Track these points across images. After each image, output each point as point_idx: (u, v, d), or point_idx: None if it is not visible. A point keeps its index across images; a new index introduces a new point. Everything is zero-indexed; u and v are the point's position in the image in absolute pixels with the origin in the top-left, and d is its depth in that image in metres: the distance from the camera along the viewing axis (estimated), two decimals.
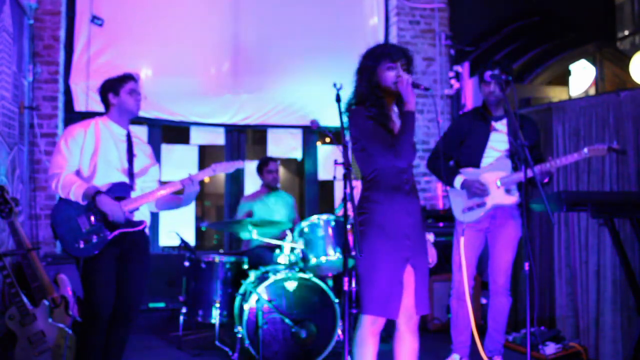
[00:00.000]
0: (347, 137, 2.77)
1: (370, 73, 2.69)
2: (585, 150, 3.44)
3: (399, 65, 2.66)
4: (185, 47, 5.67)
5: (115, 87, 3.19)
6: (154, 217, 3.56)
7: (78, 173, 3.09)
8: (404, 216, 2.64)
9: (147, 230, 3.25)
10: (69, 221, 3.00)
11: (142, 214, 3.20)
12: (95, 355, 3.06)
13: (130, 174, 3.17)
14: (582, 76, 6.52)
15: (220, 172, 3.28)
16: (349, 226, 2.68)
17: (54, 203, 5.11)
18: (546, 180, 3.52)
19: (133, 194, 3.15)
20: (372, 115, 2.63)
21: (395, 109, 2.77)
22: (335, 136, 4.17)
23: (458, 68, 6.02)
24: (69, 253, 3.01)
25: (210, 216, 8.08)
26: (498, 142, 3.70)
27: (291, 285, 3.87)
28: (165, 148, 5.91)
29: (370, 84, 2.68)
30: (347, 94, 2.80)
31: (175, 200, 3.29)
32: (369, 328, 2.61)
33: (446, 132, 3.92)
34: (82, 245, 2.97)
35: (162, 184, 3.39)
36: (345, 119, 2.64)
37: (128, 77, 3.23)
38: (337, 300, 3.91)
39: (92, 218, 3.00)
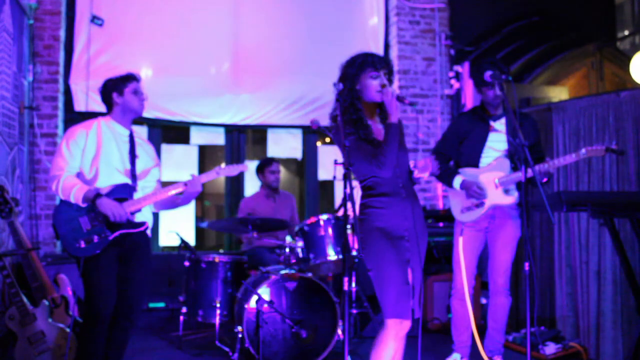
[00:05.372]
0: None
1: (352, 82, 2.66)
2: (583, 150, 3.44)
3: (382, 74, 2.65)
4: (185, 47, 5.67)
5: (119, 86, 3.17)
6: (154, 217, 3.54)
7: (79, 175, 3.08)
8: (400, 220, 2.66)
9: (148, 232, 3.25)
10: (71, 221, 2.99)
11: (144, 216, 3.19)
12: (96, 356, 3.06)
13: (133, 175, 3.17)
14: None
15: (224, 175, 3.27)
16: (349, 226, 2.69)
17: (54, 203, 5.15)
18: (545, 180, 3.52)
19: (135, 195, 3.14)
20: (353, 131, 2.63)
21: (377, 118, 2.77)
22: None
23: (458, 68, 6.02)
24: (70, 253, 3.01)
25: (210, 216, 8.08)
26: (497, 142, 3.69)
27: (291, 285, 3.87)
28: (165, 148, 5.92)
29: (352, 94, 2.66)
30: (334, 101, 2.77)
31: (175, 200, 3.27)
32: (394, 330, 2.58)
33: (445, 133, 3.92)
34: (83, 245, 2.97)
35: (162, 184, 3.39)
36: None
37: (132, 77, 3.21)
38: (337, 300, 3.91)
39: (94, 218, 3.00)
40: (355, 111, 2.66)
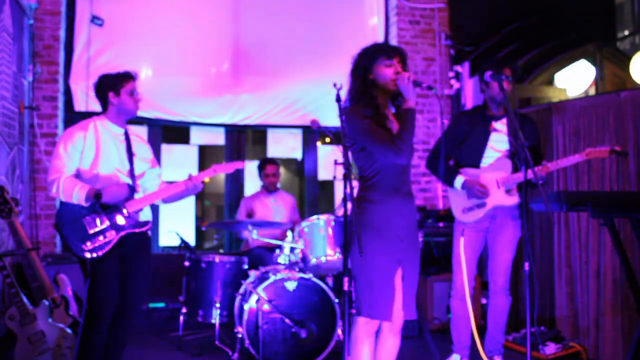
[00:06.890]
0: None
1: (365, 71, 2.67)
2: (587, 151, 3.43)
3: (395, 62, 2.66)
4: (185, 47, 5.67)
5: (116, 86, 3.14)
6: (154, 217, 3.55)
7: (78, 176, 3.07)
8: (398, 218, 2.65)
9: (149, 231, 3.25)
10: (75, 222, 2.98)
11: (145, 215, 3.20)
12: (96, 356, 3.06)
13: (132, 174, 3.17)
14: (580, 76, 6.52)
15: (220, 173, 3.29)
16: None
17: (54, 203, 5.14)
18: (540, 182, 3.50)
19: (136, 195, 3.14)
20: (369, 115, 2.62)
21: (392, 108, 2.77)
22: (335, 136, 4.17)
23: (458, 68, 6.02)
24: (75, 254, 3.00)
25: (210, 216, 8.08)
26: (498, 142, 3.69)
27: (291, 285, 3.87)
28: (165, 148, 5.92)
29: (366, 83, 2.67)
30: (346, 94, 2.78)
31: (179, 194, 3.26)
32: (363, 328, 2.63)
33: (445, 131, 3.91)
34: (88, 247, 2.96)
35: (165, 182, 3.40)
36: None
37: (129, 77, 3.17)
38: (337, 300, 3.91)
39: (98, 219, 2.99)
40: (371, 98, 2.66)
